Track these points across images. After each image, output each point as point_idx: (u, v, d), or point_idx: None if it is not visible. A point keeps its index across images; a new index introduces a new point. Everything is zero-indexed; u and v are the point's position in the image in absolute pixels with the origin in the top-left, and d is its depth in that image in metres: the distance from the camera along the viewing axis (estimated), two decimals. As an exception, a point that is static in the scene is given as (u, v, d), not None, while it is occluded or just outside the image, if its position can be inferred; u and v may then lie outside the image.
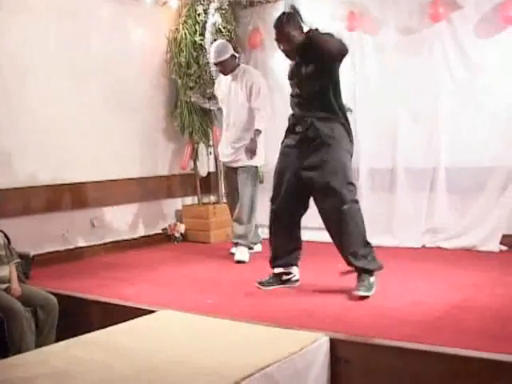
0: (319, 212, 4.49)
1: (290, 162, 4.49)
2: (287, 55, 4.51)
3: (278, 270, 4.72)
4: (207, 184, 7.78)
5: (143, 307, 4.27)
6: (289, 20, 4.37)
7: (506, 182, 5.90)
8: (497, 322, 3.69)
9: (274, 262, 4.72)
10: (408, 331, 3.52)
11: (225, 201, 7.55)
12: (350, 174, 4.41)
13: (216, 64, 6.08)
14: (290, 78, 4.57)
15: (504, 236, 5.93)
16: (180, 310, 4.14)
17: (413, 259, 5.73)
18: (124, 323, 3.85)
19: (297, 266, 4.76)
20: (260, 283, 4.72)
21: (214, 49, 5.99)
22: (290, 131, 4.57)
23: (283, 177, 4.54)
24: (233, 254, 6.03)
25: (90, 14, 6.61)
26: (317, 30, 4.34)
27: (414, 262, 5.62)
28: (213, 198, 7.86)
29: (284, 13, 4.51)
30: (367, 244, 4.39)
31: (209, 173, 7.69)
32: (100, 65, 6.72)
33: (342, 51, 4.23)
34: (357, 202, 4.38)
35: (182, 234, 7.41)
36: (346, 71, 6.21)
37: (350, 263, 4.39)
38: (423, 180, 6.36)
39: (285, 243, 4.67)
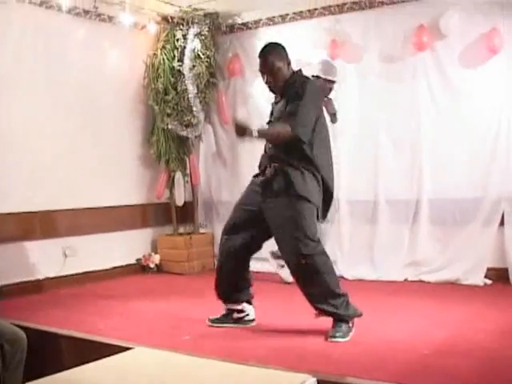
0: None
1: (254, 199, 4.28)
2: (271, 89, 4.27)
3: (229, 307, 4.51)
4: (183, 213, 7.56)
5: (117, 343, 4.03)
6: (274, 50, 4.20)
7: (491, 214, 5.79)
8: (485, 362, 3.51)
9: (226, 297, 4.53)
10: (395, 371, 3.34)
11: (202, 231, 7.40)
12: (312, 228, 4.10)
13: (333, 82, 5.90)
14: (270, 115, 4.38)
15: (488, 269, 5.81)
16: (156, 347, 3.90)
17: (395, 293, 5.58)
18: (98, 361, 3.61)
19: (250, 303, 4.54)
20: (211, 321, 4.51)
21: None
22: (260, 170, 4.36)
23: (242, 211, 4.36)
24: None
25: (65, 36, 6.42)
26: (300, 71, 4.26)
27: (397, 296, 5.47)
28: (189, 228, 7.63)
29: (270, 43, 4.33)
30: (338, 295, 4.09)
31: (185, 202, 7.46)
32: (75, 88, 6.52)
33: (296, 137, 4.01)
34: (321, 253, 4.12)
35: (156, 264, 7.19)
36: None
37: (321, 313, 4.15)
38: (405, 211, 6.24)
39: (236, 278, 4.48)
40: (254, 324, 4.50)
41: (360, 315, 4.13)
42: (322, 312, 4.11)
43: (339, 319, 4.07)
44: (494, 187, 5.78)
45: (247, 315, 4.51)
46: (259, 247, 4.44)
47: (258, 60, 4.24)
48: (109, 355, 3.71)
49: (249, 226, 4.30)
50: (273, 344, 3.99)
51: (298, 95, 4.02)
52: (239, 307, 4.49)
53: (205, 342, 4.12)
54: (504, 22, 5.68)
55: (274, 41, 4.35)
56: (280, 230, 4.13)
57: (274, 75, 4.15)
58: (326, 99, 5.74)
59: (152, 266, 7.16)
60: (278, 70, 4.13)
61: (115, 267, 6.91)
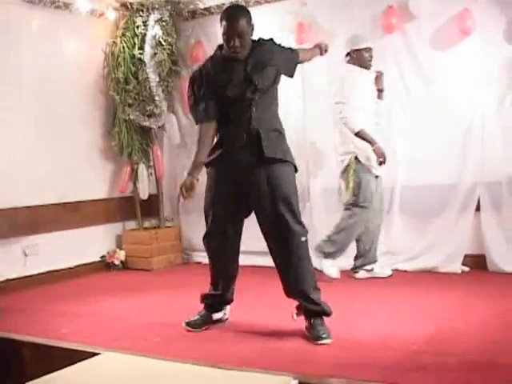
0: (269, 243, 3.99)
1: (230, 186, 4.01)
2: (233, 55, 3.86)
3: (215, 317, 4.27)
4: (148, 207, 7.28)
5: (83, 349, 3.78)
6: (244, 14, 3.85)
7: (466, 200, 5.65)
8: (481, 355, 3.37)
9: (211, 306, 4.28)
10: (383, 369, 3.17)
11: (168, 224, 7.15)
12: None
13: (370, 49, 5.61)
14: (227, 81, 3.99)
15: (465, 256, 5.68)
16: (124, 351, 3.67)
17: (372, 284, 5.42)
18: (62, 370, 3.36)
19: (230, 303, 4.33)
20: (188, 324, 4.19)
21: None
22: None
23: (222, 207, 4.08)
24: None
25: (17, 25, 6.10)
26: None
27: (375, 286, 5.31)
28: (154, 222, 7.38)
29: (238, 6, 4.05)
30: (318, 289, 3.91)
31: (150, 195, 7.20)
32: (30, 80, 6.21)
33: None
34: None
35: (122, 261, 6.92)
36: (295, 85, 5.98)
37: (303, 307, 3.91)
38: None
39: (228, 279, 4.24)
40: (226, 323, 4.28)
41: (331, 314, 3.92)
42: (309, 302, 3.85)
43: (320, 314, 3.85)
44: (468, 172, 5.63)
45: (225, 314, 4.30)
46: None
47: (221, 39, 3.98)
48: (74, 362, 3.46)
49: (231, 220, 4.05)
50: (250, 345, 3.78)
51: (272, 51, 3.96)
52: (224, 310, 4.30)
53: (177, 345, 3.89)
54: (476, 2, 5.52)
55: (239, 4, 4.09)
56: (275, 203, 3.83)
57: (243, 40, 3.81)
58: (377, 73, 5.57)
59: (117, 262, 6.89)
60: (246, 35, 3.82)
61: (79, 265, 6.63)
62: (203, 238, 4.14)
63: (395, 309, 4.49)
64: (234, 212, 4.01)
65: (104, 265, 6.90)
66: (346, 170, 5.55)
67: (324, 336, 3.73)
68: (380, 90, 5.62)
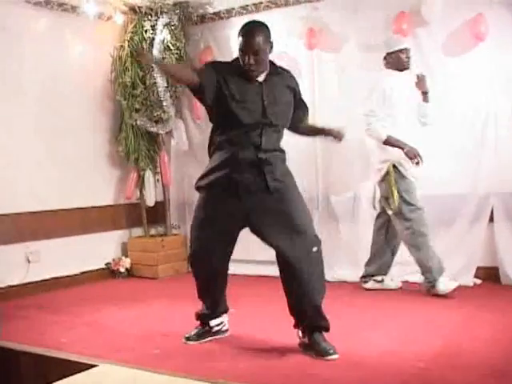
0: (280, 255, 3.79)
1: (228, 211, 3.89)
2: (247, 73, 3.73)
3: (212, 324, 4.14)
4: (155, 214, 7.18)
5: (81, 360, 3.66)
6: (263, 30, 3.71)
7: (479, 210, 5.51)
8: (489, 371, 3.23)
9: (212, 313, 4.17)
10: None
11: (174, 232, 7.04)
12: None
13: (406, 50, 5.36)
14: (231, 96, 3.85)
15: (478, 268, 5.55)
16: (123, 363, 3.55)
17: (380, 296, 5.28)
18: (59, 382, 3.24)
19: (227, 312, 4.21)
20: (187, 339, 4.09)
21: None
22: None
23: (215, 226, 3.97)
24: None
25: (23, 28, 6.01)
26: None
27: (383, 298, 5.18)
28: (161, 230, 7.26)
29: (257, 21, 3.91)
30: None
31: (156, 202, 7.10)
32: (36, 85, 6.12)
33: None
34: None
35: (127, 268, 6.81)
36: (305, 91, 5.84)
37: (311, 320, 3.73)
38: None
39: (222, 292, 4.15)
40: (228, 334, 4.17)
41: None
42: (317, 316, 3.70)
43: (326, 327, 3.72)
44: (481, 182, 5.50)
45: (224, 325, 4.18)
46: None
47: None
48: (71, 374, 3.34)
49: (223, 238, 3.93)
50: (252, 360, 3.65)
51: (293, 89, 3.89)
52: (221, 319, 4.17)
53: (176, 358, 3.77)
54: (490, 7, 5.40)
55: (259, 21, 3.94)
56: (283, 218, 3.72)
57: (258, 58, 3.67)
58: (418, 76, 5.34)
59: (122, 270, 6.78)
60: (262, 53, 3.68)
61: (83, 272, 6.52)
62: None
63: (403, 322, 4.36)
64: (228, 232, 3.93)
65: (109, 272, 6.79)
66: (384, 179, 5.34)
67: (331, 351, 3.60)
68: (424, 93, 5.35)
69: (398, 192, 5.25)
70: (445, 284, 5.12)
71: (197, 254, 3.99)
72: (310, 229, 3.77)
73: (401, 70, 5.34)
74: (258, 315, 4.63)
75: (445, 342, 3.83)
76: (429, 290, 5.20)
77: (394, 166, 5.28)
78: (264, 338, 4.04)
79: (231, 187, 3.75)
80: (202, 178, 3.86)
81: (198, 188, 3.91)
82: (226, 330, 4.19)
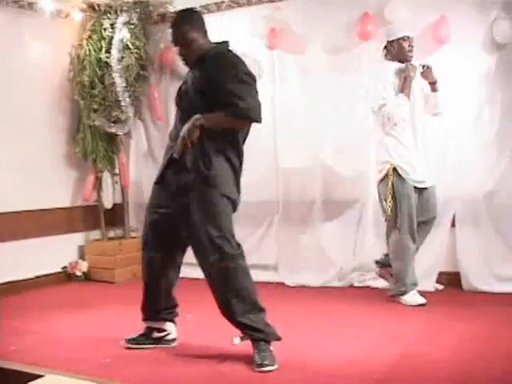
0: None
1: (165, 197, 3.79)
2: (185, 63, 3.79)
3: (149, 325, 4.03)
4: (113, 217, 7.02)
5: (26, 370, 3.51)
6: (187, 19, 3.70)
7: (441, 215, 5.43)
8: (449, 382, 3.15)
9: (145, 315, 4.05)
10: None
11: (133, 235, 6.88)
12: (231, 226, 3.65)
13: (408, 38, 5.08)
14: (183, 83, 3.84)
15: (439, 273, 5.51)
16: (71, 373, 3.42)
17: (341, 301, 5.22)
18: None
19: (173, 321, 4.06)
20: (127, 341, 4.00)
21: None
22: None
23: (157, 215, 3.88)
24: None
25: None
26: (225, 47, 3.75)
27: (343, 304, 5.12)
28: (119, 233, 7.11)
29: (182, 10, 3.83)
30: (259, 309, 3.60)
31: (114, 204, 6.95)
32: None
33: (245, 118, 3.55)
34: (243, 257, 3.63)
35: (84, 272, 6.65)
36: (266, 93, 5.74)
37: (241, 330, 3.62)
38: (351, 213, 5.86)
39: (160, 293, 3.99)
40: (175, 344, 4.03)
41: (279, 339, 3.62)
42: (243, 328, 3.58)
43: (261, 339, 3.55)
44: (444, 187, 5.40)
45: (168, 334, 4.03)
46: (183, 253, 3.94)
47: None
48: (16, 386, 3.21)
49: (167, 233, 3.81)
50: (203, 368, 3.55)
51: (224, 71, 3.54)
52: (162, 326, 4.02)
53: (127, 367, 3.65)
54: (452, 10, 5.35)
55: (187, 8, 3.86)
56: (195, 229, 3.59)
57: (188, 48, 3.66)
58: (423, 66, 5.07)
59: (79, 274, 6.62)
60: (191, 42, 3.64)
61: (38, 276, 6.35)
62: None
63: (363, 330, 4.27)
64: None
65: (66, 276, 6.63)
66: (383, 181, 5.05)
67: (266, 363, 3.45)
68: (432, 83, 5.12)
69: (392, 197, 4.99)
70: (413, 297, 4.97)
71: (142, 242, 4.01)
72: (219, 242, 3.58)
73: (402, 62, 5.06)
74: (215, 321, 4.51)
75: (405, 350, 3.75)
76: (394, 296, 5.08)
77: (395, 169, 5.00)
78: (218, 345, 3.92)
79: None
80: None
81: None
82: (172, 340, 4.03)
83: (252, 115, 3.52)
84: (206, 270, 3.64)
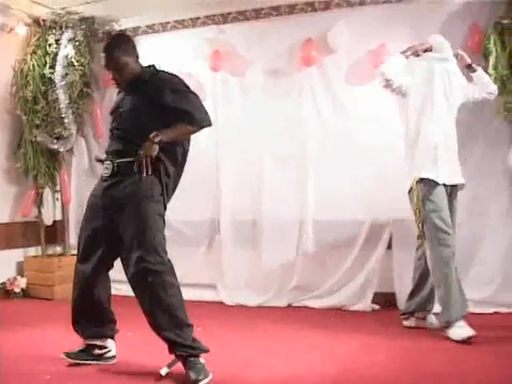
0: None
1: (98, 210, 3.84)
2: (117, 86, 3.91)
3: (89, 342, 4.01)
4: (53, 233, 6.97)
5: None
6: (119, 44, 3.80)
7: (377, 237, 5.61)
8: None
9: (83, 331, 4.02)
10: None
11: (73, 252, 6.83)
12: (163, 240, 3.69)
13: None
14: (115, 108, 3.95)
15: (375, 294, 5.62)
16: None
17: (278, 321, 5.28)
18: None
19: (112, 338, 4.05)
20: (67, 355, 3.96)
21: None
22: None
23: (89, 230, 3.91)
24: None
25: None
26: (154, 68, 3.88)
27: (280, 323, 5.16)
28: (59, 250, 7.04)
29: (114, 35, 3.92)
30: (187, 325, 3.63)
31: (55, 221, 6.91)
32: None
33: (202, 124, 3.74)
34: (172, 273, 3.66)
35: (22, 289, 6.56)
36: (209, 113, 5.81)
37: (168, 345, 3.66)
38: (289, 233, 5.94)
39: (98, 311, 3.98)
40: (114, 361, 4.01)
41: (207, 351, 3.66)
42: (170, 343, 3.61)
43: (190, 354, 3.59)
44: (380, 209, 5.56)
45: (109, 351, 4.02)
46: (110, 267, 3.97)
47: None
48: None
49: (101, 245, 3.83)
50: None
51: (165, 88, 3.68)
52: (101, 343, 4.01)
53: (67, 383, 3.63)
54: (391, 38, 5.51)
55: (119, 32, 3.97)
56: (127, 243, 3.65)
57: (120, 71, 3.76)
58: (456, 54, 4.74)
59: (17, 290, 6.53)
60: (124, 66, 3.75)
61: (-25, 292, 6.26)
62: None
63: (299, 348, 4.33)
64: None
65: (4, 292, 6.53)
66: (410, 194, 4.66)
67: (200, 378, 3.49)
68: (469, 66, 4.86)
69: (420, 213, 4.52)
70: (458, 330, 4.35)
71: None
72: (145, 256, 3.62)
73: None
74: (154, 338, 4.54)
75: (341, 366, 3.83)
76: (442, 329, 4.52)
77: (421, 181, 4.54)
78: (157, 363, 3.92)
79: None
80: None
81: None
82: (112, 357, 4.03)
83: (209, 121, 3.77)
84: (132, 283, 3.68)
